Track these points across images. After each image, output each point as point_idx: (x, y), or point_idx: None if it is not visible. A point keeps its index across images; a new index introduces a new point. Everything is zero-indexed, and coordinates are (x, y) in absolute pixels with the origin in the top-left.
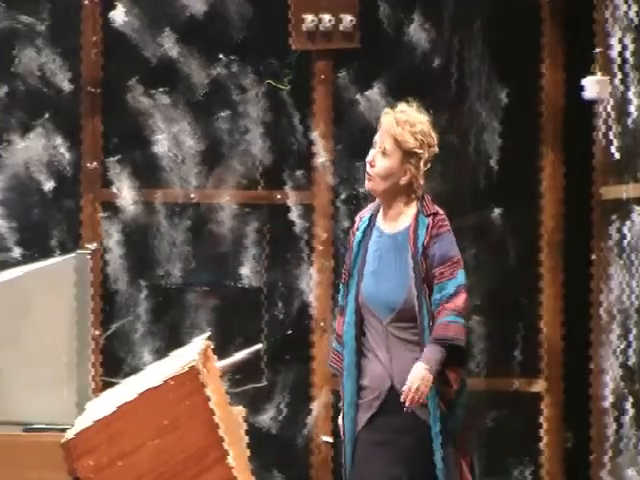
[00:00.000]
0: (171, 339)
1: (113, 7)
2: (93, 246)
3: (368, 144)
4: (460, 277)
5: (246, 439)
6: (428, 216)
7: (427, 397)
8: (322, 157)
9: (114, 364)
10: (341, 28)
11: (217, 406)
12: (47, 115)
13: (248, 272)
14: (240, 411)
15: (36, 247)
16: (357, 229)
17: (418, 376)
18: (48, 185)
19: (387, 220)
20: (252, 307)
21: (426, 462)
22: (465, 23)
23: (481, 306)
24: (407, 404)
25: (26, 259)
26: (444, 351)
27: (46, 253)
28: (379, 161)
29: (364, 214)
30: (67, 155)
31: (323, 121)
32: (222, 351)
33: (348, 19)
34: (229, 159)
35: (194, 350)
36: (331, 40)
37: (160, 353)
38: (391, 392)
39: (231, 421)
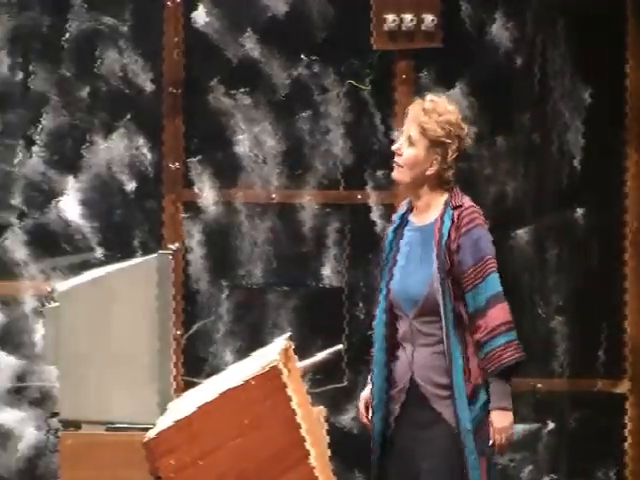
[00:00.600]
0: (252, 339)
1: (195, 8)
2: (175, 246)
3: None
4: (491, 284)
5: (327, 439)
6: (455, 208)
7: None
8: None
9: (196, 364)
10: (423, 28)
11: (298, 406)
12: (129, 116)
13: (329, 272)
14: (321, 411)
15: (118, 247)
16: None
17: (500, 430)
18: (130, 186)
19: (417, 213)
20: (333, 307)
21: (447, 458)
22: (548, 22)
23: (564, 306)
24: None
25: (108, 259)
26: (509, 379)
27: (128, 253)
28: (405, 150)
29: (398, 211)
30: (149, 155)
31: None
32: (303, 351)
33: (430, 19)
34: (310, 159)
35: (275, 350)
36: (413, 40)
37: (241, 353)
38: (412, 385)
39: (312, 421)
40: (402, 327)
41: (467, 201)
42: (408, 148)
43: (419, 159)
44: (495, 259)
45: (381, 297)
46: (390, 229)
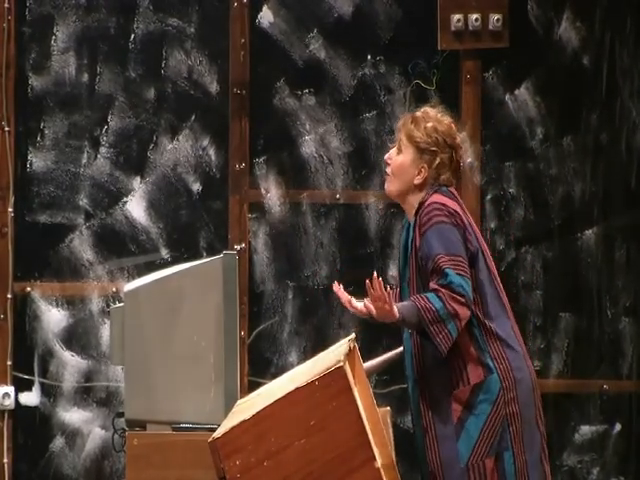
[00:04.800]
0: (317, 339)
1: (261, 9)
2: (240, 247)
3: (517, 144)
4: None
5: (392, 440)
6: (417, 211)
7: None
8: (470, 157)
9: (261, 364)
10: (490, 27)
11: (364, 407)
12: (195, 117)
13: (394, 273)
14: (386, 411)
15: (184, 248)
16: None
17: (378, 314)
18: (196, 186)
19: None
20: None
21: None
22: (617, 21)
23: (632, 307)
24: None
25: (174, 260)
26: (414, 308)
27: (194, 254)
28: (394, 158)
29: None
30: (214, 156)
31: (471, 121)
32: (369, 352)
33: (496, 18)
34: (375, 160)
35: (340, 351)
36: (479, 40)
37: (306, 353)
38: None
39: (378, 422)
40: None
41: (434, 198)
42: (397, 156)
43: (405, 165)
44: (449, 255)
45: None
46: (402, 236)
